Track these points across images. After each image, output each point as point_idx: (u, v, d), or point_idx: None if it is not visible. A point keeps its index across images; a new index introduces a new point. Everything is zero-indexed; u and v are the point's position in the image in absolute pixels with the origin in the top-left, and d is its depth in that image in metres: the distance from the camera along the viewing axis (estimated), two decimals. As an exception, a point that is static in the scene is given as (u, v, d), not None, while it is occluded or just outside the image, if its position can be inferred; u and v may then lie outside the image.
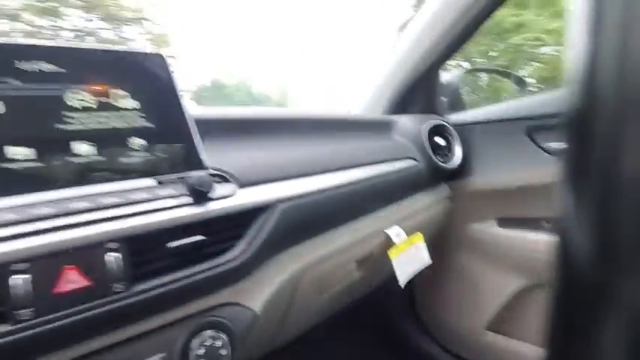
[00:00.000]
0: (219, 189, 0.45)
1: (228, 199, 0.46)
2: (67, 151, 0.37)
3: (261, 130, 0.61)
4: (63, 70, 0.38)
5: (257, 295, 0.49)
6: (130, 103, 0.42)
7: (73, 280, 0.34)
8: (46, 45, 0.37)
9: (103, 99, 0.40)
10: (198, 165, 0.45)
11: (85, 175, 0.38)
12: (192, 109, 0.46)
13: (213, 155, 0.47)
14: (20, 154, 0.35)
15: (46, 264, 0.33)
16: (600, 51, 0.14)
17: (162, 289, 0.38)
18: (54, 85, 0.37)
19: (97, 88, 0.40)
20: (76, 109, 0.38)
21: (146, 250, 0.38)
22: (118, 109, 0.41)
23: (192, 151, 0.45)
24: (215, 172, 0.47)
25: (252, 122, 0.61)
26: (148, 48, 0.42)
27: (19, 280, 0.31)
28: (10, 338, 0.30)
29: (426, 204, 0.85)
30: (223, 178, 0.47)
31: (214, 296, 0.44)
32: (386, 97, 1.00)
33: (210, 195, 0.43)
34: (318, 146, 0.67)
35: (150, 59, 0.44)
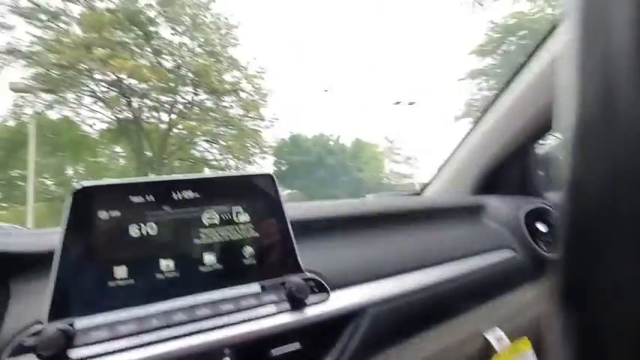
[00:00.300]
0: (313, 297, 0.48)
1: (322, 305, 0.48)
2: (199, 262, 0.46)
3: (345, 226, 0.64)
4: (201, 196, 0.48)
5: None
6: (244, 217, 0.49)
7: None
8: (192, 178, 0.48)
9: (225, 216, 0.49)
10: (296, 268, 0.50)
11: (208, 282, 0.45)
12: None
13: (304, 255, 0.51)
14: (164, 265, 0.44)
15: None
16: None
17: None
18: (194, 208, 0.47)
19: (222, 207, 0.49)
20: (207, 226, 0.47)
21: (252, 357, 0.42)
22: (235, 223, 0.49)
23: (291, 255, 0.50)
24: (310, 275, 0.50)
25: (337, 219, 0.65)
26: (259, 170, 0.51)
27: None
28: None
29: (529, 301, 0.75)
30: (317, 282, 0.50)
31: None
32: (471, 175, 0.96)
33: (306, 301, 0.47)
34: (404, 240, 0.67)
35: (261, 179, 0.52)
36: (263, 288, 0.47)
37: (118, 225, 0.43)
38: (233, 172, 0.48)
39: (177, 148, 14.26)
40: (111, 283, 0.42)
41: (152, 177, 0.47)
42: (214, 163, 15.26)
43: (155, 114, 13.73)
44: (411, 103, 13.83)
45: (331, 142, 18.63)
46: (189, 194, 0.47)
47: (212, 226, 0.47)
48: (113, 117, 13.20)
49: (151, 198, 0.46)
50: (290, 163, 16.11)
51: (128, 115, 13.03)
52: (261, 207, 0.51)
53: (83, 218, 0.42)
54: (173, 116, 13.53)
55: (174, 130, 13.81)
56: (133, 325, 0.40)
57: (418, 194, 1.14)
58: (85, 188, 0.43)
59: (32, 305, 0.39)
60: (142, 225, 0.44)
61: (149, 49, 12.45)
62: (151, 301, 0.42)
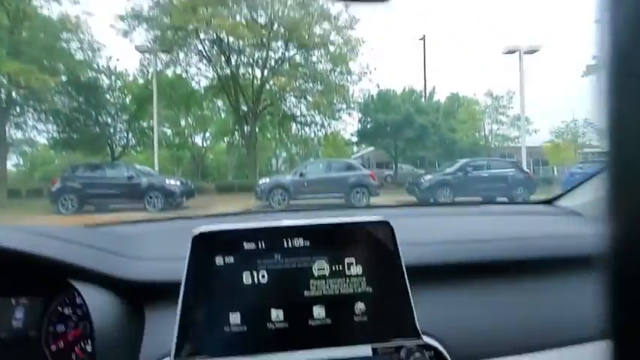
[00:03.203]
0: None
1: None
2: (309, 314, 0.43)
3: (474, 273, 0.54)
4: (312, 244, 0.44)
5: None
6: (356, 269, 0.44)
7: None
8: (304, 224, 0.44)
9: (337, 267, 0.44)
10: (413, 332, 0.43)
11: (317, 337, 0.43)
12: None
13: (420, 310, 0.44)
14: (274, 315, 0.43)
15: None
16: None
17: None
18: (305, 257, 0.44)
19: (334, 257, 0.44)
20: (317, 277, 0.43)
21: None
22: (347, 275, 0.44)
23: (408, 318, 0.44)
24: (429, 342, 0.44)
25: (462, 266, 0.55)
26: (375, 217, 0.43)
27: None
28: None
29: None
30: (437, 352, 0.44)
31: None
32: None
33: None
34: (556, 294, 0.54)
35: (377, 227, 0.45)
36: (375, 352, 0.43)
37: (233, 272, 0.43)
38: (347, 219, 0.42)
39: (269, 103, 14.99)
40: (226, 329, 0.42)
41: (263, 222, 0.44)
42: (301, 119, 15.72)
43: (250, 70, 14.48)
44: (531, 51, 11.39)
45: (422, 100, 17.18)
46: (299, 242, 0.44)
47: (322, 277, 0.44)
48: (214, 74, 14.40)
49: (262, 245, 0.43)
50: (376, 120, 15.52)
51: (227, 72, 14.03)
52: (376, 259, 0.45)
53: (202, 263, 0.43)
54: (265, 72, 14.08)
55: (266, 86, 14.45)
56: None
57: (549, 202, 0.94)
58: (202, 234, 0.43)
59: (164, 333, 0.42)
60: (255, 272, 0.43)
61: (245, 4, 12.80)
62: (261, 351, 0.42)
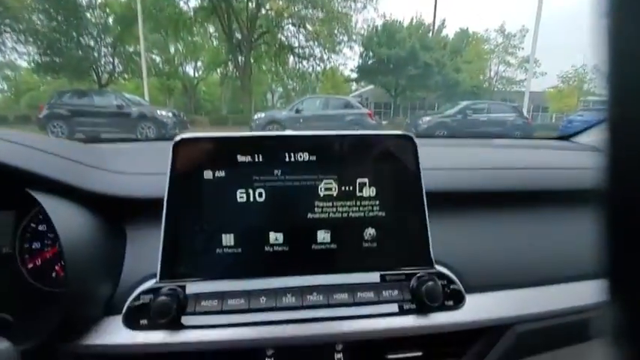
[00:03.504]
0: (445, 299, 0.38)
1: (455, 312, 0.39)
2: (312, 238, 0.38)
3: (491, 201, 0.49)
4: (318, 160, 0.37)
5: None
6: (369, 191, 0.38)
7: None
8: (309, 134, 0.37)
9: (347, 187, 0.38)
10: (426, 260, 0.39)
11: (321, 263, 0.38)
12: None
13: (434, 239, 0.40)
14: (273, 238, 0.38)
15: (289, 355, 0.36)
16: None
17: None
18: (310, 175, 0.37)
19: (344, 176, 0.38)
20: (323, 198, 0.37)
21: (365, 357, 0.37)
22: (358, 197, 0.38)
23: (423, 245, 0.39)
24: (442, 270, 0.40)
25: (482, 194, 0.49)
26: (394, 130, 0.35)
27: None
28: None
29: None
30: (449, 281, 0.40)
31: None
32: None
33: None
34: (571, 227, 0.50)
35: (396, 142, 0.38)
36: (383, 279, 0.39)
37: (225, 188, 0.36)
38: (361, 131, 0.34)
39: (265, 31, 13.84)
40: (218, 250, 0.37)
41: (261, 132, 0.36)
42: (299, 50, 14.69)
43: (245, -9, 13.07)
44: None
45: (430, 34, 15.96)
46: (304, 156, 0.37)
47: (329, 198, 0.38)
48: (206, -7, 12.99)
49: (259, 158, 0.36)
50: (378, 55, 14.56)
51: (219, -9, 12.64)
52: (393, 179, 0.38)
53: (187, 177, 0.36)
54: (261, -6, 12.74)
55: (262, 11, 13.19)
56: (242, 300, 0.36)
57: (566, 139, 0.87)
58: (184, 140, 0.36)
59: (148, 254, 0.38)
60: (250, 190, 0.36)
61: None
62: (258, 275, 0.37)
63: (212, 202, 0.36)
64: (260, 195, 0.37)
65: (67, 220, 0.35)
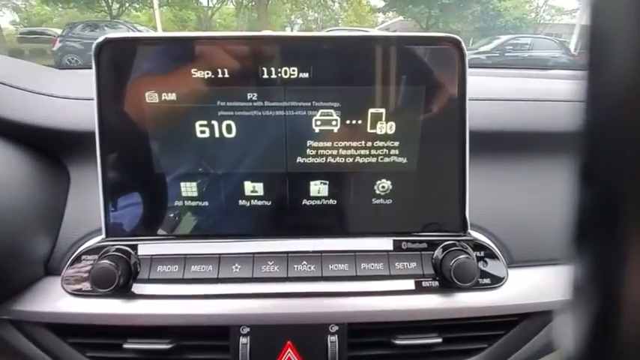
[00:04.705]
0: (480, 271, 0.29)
1: (490, 292, 0.29)
2: (302, 191, 0.28)
3: (539, 149, 0.35)
4: (312, 77, 0.25)
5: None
6: (384, 127, 0.26)
7: (289, 356, 0.29)
8: (295, 35, 0.24)
9: (353, 120, 0.26)
10: (457, 227, 0.29)
11: (313, 224, 0.29)
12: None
13: (472, 196, 0.29)
14: (249, 189, 0.28)
15: (270, 333, 0.28)
16: None
17: None
18: (299, 102, 0.25)
19: (350, 104, 0.26)
20: (318, 135, 0.26)
21: (369, 343, 0.29)
22: (370, 134, 0.26)
23: (454, 203, 0.28)
24: (477, 238, 0.29)
25: (531, 136, 0.35)
26: (441, 33, 0.22)
27: (245, 343, 0.28)
28: None
29: None
30: (488, 253, 0.30)
31: None
32: None
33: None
34: None
35: (435, 50, 0.25)
36: (397, 247, 0.29)
37: (178, 118, 0.25)
38: (377, 32, 0.21)
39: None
40: (178, 203, 0.28)
41: (229, 31, 0.24)
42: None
43: None
44: None
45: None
46: (292, 71, 0.25)
47: (328, 135, 0.26)
48: None
49: (224, 73, 0.24)
50: (410, -20, 12.88)
51: None
52: (420, 109, 0.26)
53: (118, 98, 0.25)
54: None
55: None
56: (209, 266, 0.28)
57: None
58: (108, 42, 0.24)
59: (95, 201, 0.29)
60: (214, 122, 0.26)
61: None
62: (229, 237, 0.28)
63: (161, 137, 0.26)
64: (229, 129, 0.26)
65: None
